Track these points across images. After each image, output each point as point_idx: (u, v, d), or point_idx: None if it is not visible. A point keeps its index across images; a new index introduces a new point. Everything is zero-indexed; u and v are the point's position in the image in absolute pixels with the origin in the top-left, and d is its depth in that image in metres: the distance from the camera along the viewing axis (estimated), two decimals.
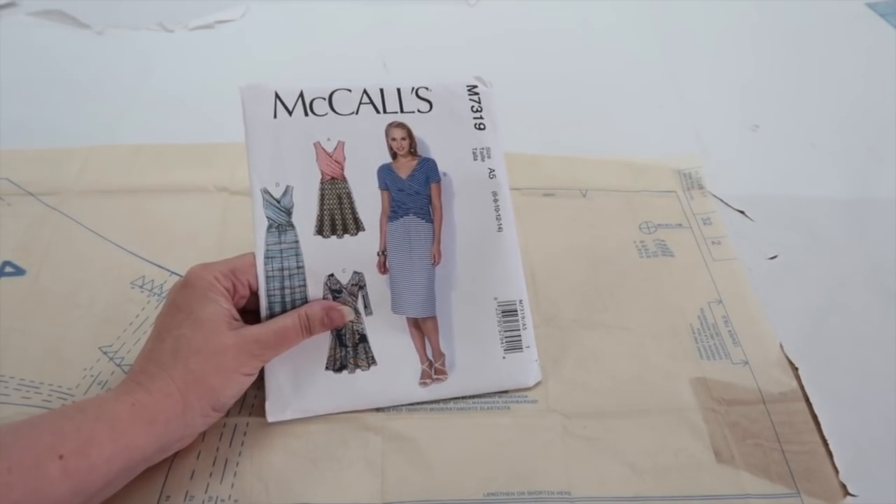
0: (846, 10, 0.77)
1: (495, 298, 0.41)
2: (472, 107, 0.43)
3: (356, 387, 0.39)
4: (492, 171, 0.42)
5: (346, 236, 0.40)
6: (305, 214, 0.39)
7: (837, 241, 0.52)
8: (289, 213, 0.39)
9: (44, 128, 0.56)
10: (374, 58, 0.66)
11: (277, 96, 0.40)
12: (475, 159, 0.42)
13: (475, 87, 0.43)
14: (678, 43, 0.72)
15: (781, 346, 0.44)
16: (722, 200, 0.54)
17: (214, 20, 0.69)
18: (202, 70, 0.64)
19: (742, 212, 0.54)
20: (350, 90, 0.41)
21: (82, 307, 0.43)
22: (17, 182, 0.50)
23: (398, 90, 0.41)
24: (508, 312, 0.41)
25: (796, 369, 0.43)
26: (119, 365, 0.41)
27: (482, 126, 0.42)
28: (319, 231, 0.39)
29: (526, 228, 0.50)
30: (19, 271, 0.45)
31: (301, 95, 0.40)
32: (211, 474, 0.36)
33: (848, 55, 0.71)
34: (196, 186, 0.51)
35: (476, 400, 0.40)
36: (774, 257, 0.51)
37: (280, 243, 0.38)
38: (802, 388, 0.42)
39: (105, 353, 0.41)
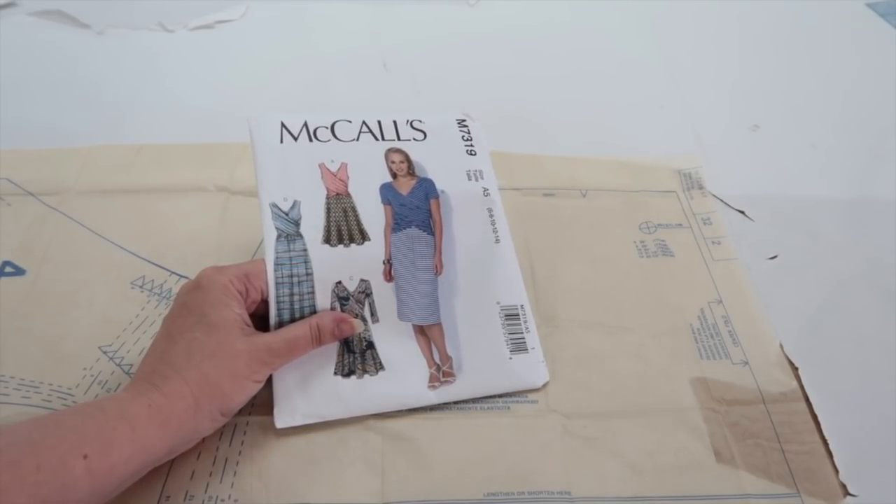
0: (846, 10, 0.77)
1: (498, 302, 0.43)
2: (463, 136, 0.46)
3: (365, 392, 0.39)
4: (486, 189, 0.45)
5: (353, 245, 0.40)
6: (313, 225, 0.40)
7: (837, 241, 0.52)
8: (297, 224, 0.40)
9: (44, 128, 0.56)
10: (374, 58, 0.66)
11: (283, 125, 0.42)
12: (469, 179, 0.45)
13: (464, 120, 0.47)
14: (678, 43, 0.72)
15: (781, 346, 0.44)
16: (722, 200, 0.54)
17: (214, 20, 0.69)
18: (202, 70, 0.64)
19: (742, 212, 0.54)
20: (350, 121, 0.44)
21: (82, 307, 0.43)
22: (17, 182, 0.50)
23: (394, 122, 0.45)
24: (511, 316, 0.42)
25: (796, 369, 0.43)
26: (119, 365, 0.41)
27: (473, 152, 0.46)
28: (327, 240, 0.40)
29: (526, 228, 0.50)
30: (19, 271, 0.45)
31: (305, 124, 0.43)
32: (211, 474, 0.36)
33: (848, 55, 0.71)
34: (196, 186, 0.51)
35: (476, 400, 0.40)
36: (774, 257, 0.51)
37: (289, 251, 0.39)
38: (802, 388, 0.42)
39: (105, 352, 0.41)
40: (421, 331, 0.41)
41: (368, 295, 0.40)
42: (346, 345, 0.39)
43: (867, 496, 0.37)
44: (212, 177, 0.52)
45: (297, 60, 0.65)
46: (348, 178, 0.42)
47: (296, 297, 0.38)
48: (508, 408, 0.40)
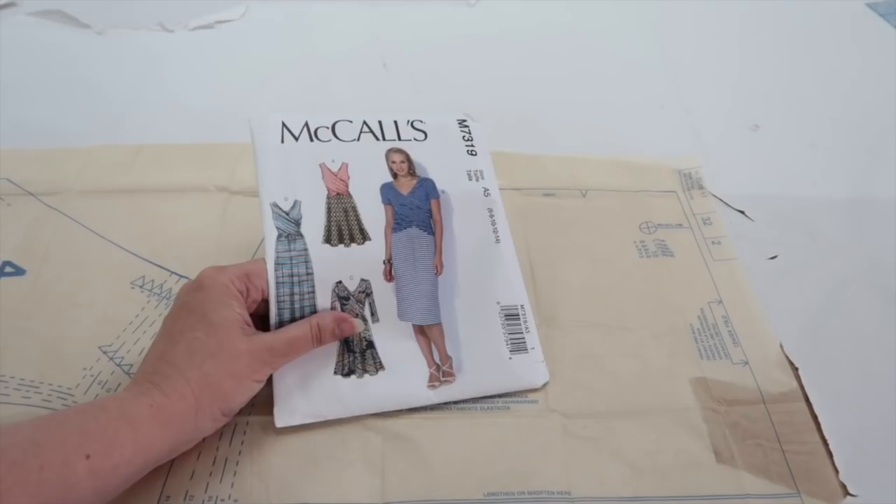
0: (846, 10, 0.77)
1: (498, 302, 0.43)
2: (464, 136, 0.46)
3: (365, 391, 0.39)
4: (486, 189, 0.45)
5: (353, 245, 0.40)
6: (314, 224, 0.40)
7: (837, 241, 0.52)
8: (297, 223, 0.40)
9: (44, 128, 0.56)
10: (374, 58, 0.66)
11: (284, 125, 0.42)
12: (470, 179, 0.45)
13: (465, 120, 0.47)
14: (678, 43, 0.72)
15: (781, 346, 0.44)
16: (722, 200, 0.54)
17: (214, 20, 0.69)
18: (202, 70, 0.64)
19: (742, 212, 0.54)
20: (351, 121, 0.44)
21: (82, 307, 0.43)
22: (17, 182, 0.50)
23: (395, 122, 0.45)
24: (511, 316, 0.42)
25: (796, 369, 0.43)
26: (119, 365, 0.41)
27: (474, 153, 0.46)
28: (327, 240, 0.40)
29: (526, 228, 0.50)
30: (19, 271, 0.45)
31: (306, 124, 0.43)
32: (211, 474, 0.36)
33: (848, 55, 0.71)
34: (196, 186, 0.51)
35: (476, 400, 0.40)
36: (774, 257, 0.51)
37: (290, 251, 0.39)
38: (802, 388, 0.42)
39: (105, 352, 0.41)
40: (421, 331, 0.41)
41: (369, 295, 0.40)
42: (347, 344, 0.39)
43: (867, 496, 0.37)
44: (212, 177, 0.52)
45: (297, 60, 0.65)
46: (349, 177, 0.42)
47: (296, 297, 0.38)
48: (508, 408, 0.40)
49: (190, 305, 0.35)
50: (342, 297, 0.40)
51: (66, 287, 0.44)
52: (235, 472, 0.36)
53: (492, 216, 0.45)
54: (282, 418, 0.37)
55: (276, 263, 0.39)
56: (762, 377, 0.43)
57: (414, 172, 0.44)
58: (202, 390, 0.33)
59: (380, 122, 0.45)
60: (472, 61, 0.67)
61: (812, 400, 0.41)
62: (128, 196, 0.50)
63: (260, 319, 0.38)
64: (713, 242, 0.51)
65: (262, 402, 0.38)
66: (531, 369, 0.41)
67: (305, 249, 0.39)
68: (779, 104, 0.65)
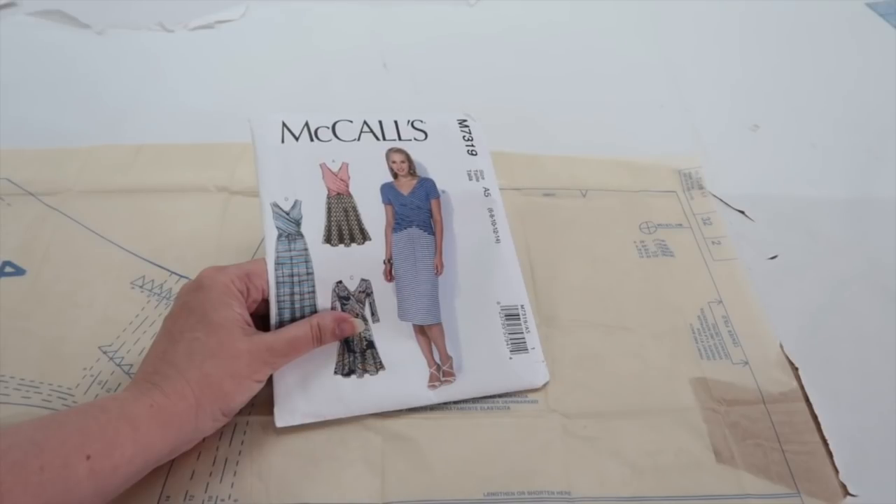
0: (846, 10, 0.77)
1: (498, 302, 0.43)
2: (464, 136, 0.46)
3: (365, 391, 0.39)
4: (486, 189, 0.45)
5: (354, 245, 0.41)
6: (314, 224, 0.40)
7: (837, 241, 0.52)
8: (298, 223, 0.40)
9: (44, 128, 0.56)
10: (374, 58, 0.66)
11: (284, 125, 0.43)
12: (470, 179, 0.45)
13: (465, 120, 0.47)
14: (678, 43, 0.72)
15: (781, 346, 0.44)
16: (722, 200, 0.54)
17: (214, 20, 0.69)
18: (202, 70, 0.64)
19: (742, 212, 0.54)
20: (351, 121, 0.44)
21: (82, 307, 0.43)
22: (17, 182, 0.50)
23: (395, 122, 0.45)
24: (511, 316, 0.42)
25: (796, 369, 0.43)
26: (119, 365, 0.41)
27: (474, 152, 0.46)
28: (327, 240, 0.40)
29: (526, 228, 0.50)
30: (19, 271, 0.45)
31: (306, 124, 0.43)
32: (211, 474, 0.36)
33: (848, 55, 0.71)
34: (196, 186, 0.51)
35: (476, 400, 0.40)
36: (774, 257, 0.51)
37: (290, 251, 0.39)
38: (802, 388, 0.42)
39: (105, 352, 0.41)
40: (421, 330, 0.41)
41: (369, 294, 0.40)
42: (347, 344, 0.39)
43: (867, 496, 0.37)
44: (212, 177, 0.52)
45: (297, 60, 0.65)
46: (349, 177, 0.42)
47: (296, 297, 0.38)
48: (508, 408, 0.40)
49: (190, 305, 0.35)
50: (342, 296, 0.40)
51: (66, 287, 0.44)
52: (235, 472, 0.36)
53: (492, 216, 0.45)
54: (282, 418, 0.37)
55: (277, 263, 0.39)
56: (762, 377, 0.43)
57: (414, 172, 0.44)
58: (202, 390, 0.33)
59: (380, 122, 0.45)
60: (472, 61, 0.67)
61: (812, 400, 0.41)
62: (128, 196, 0.50)
63: (260, 319, 0.38)
64: (713, 242, 0.51)
65: (262, 402, 0.38)
66: (531, 369, 0.41)
67: (306, 249, 0.39)
68: (779, 104, 0.65)
